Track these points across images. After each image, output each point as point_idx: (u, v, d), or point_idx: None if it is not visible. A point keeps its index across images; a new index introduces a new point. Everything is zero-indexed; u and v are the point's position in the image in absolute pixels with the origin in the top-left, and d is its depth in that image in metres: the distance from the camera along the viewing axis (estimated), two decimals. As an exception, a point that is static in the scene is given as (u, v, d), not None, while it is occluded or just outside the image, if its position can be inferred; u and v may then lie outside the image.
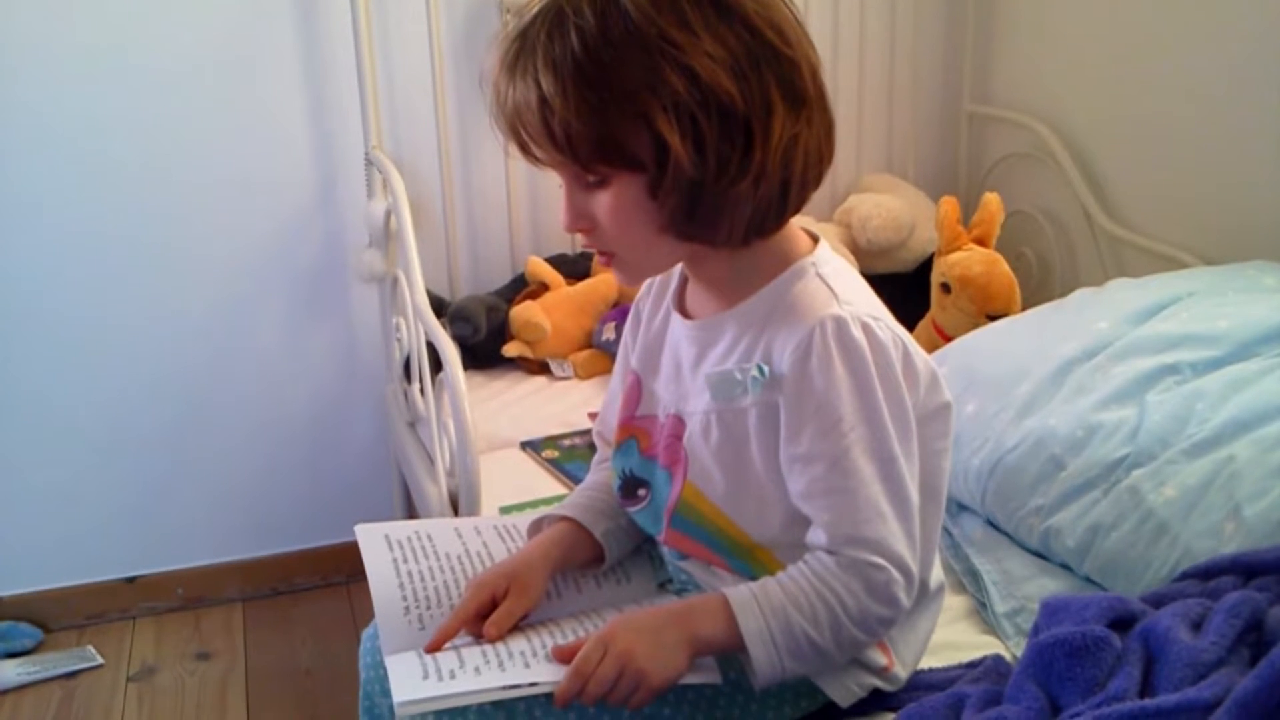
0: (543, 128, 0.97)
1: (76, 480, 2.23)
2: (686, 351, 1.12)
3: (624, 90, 0.94)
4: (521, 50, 0.98)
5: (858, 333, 1.00)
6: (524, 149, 1.02)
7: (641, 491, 1.16)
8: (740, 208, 0.99)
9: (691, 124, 0.95)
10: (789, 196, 1.01)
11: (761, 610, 0.99)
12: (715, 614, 1.00)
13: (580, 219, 1.03)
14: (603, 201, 1.01)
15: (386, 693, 1.10)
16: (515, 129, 1.01)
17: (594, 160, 0.98)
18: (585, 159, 0.98)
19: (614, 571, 1.22)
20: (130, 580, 2.31)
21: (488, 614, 1.09)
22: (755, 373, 1.03)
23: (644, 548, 1.24)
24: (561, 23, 0.96)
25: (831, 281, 1.04)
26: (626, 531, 1.21)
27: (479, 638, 1.08)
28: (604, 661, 0.98)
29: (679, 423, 1.12)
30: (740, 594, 1.01)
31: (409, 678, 1.01)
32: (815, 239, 1.10)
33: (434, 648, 1.07)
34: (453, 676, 1.01)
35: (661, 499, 1.14)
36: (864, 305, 1.03)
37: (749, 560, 1.09)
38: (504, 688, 0.99)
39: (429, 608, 1.13)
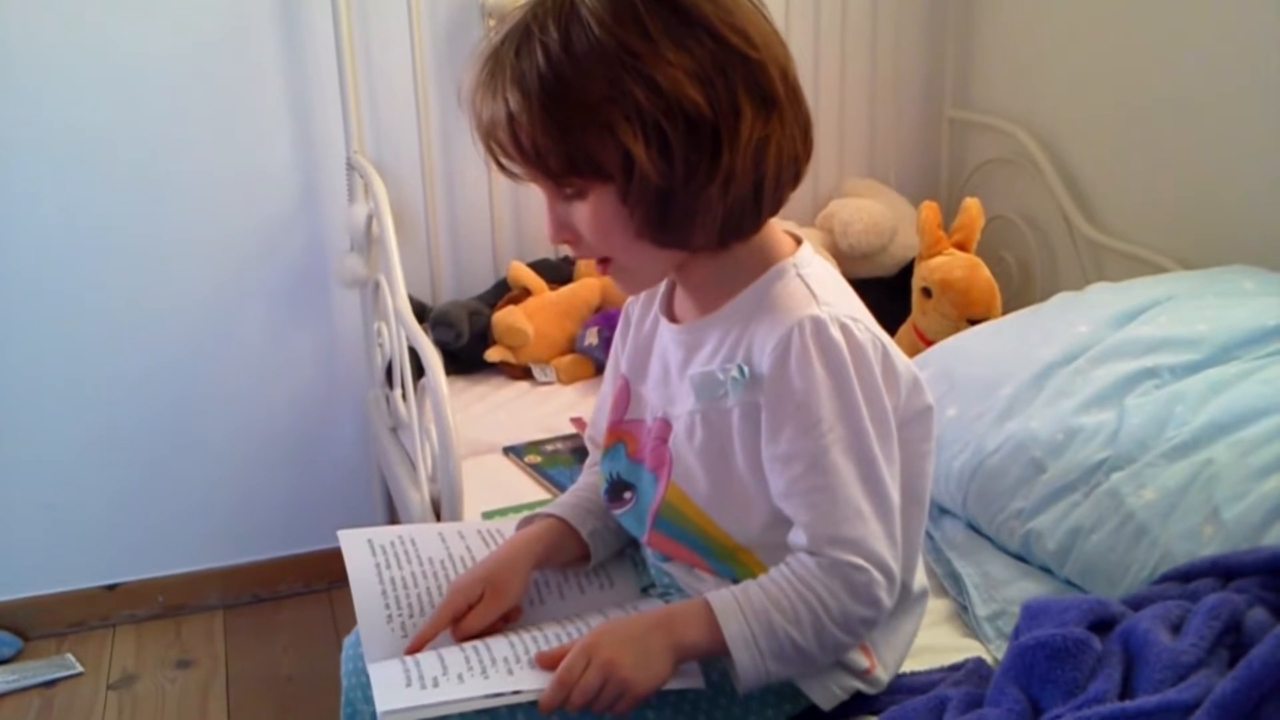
0: (513, 144, 0.99)
1: (56, 488, 2.21)
2: (674, 355, 1.12)
3: (587, 104, 0.95)
4: (494, 69, 0.99)
5: (836, 333, 1.00)
6: (500, 165, 1.04)
7: (627, 494, 1.17)
8: (711, 211, 0.99)
9: (657, 132, 0.95)
10: (762, 197, 1.01)
11: (744, 613, 1.00)
12: (698, 619, 1.01)
13: (563, 230, 1.04)
14: (581, 212, 1.02)
15: (369, 700, 1.10)
16: (489, 145, 1.02)
17: (565, 173, 0.99)
18: (556, 172, 0.99)
19: (597, 576, 1.22)
20: (110, 588, 2.30)
21: (463, 619, 1.09)
22: (735, 373, 1.04)
23: (628, 552, 1.25)
24: (528, 40, 0.97)
25: (811, 282, 1.05)
26: (614, 532, 1.21)
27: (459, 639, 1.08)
28: (588, 671, 0.98)
29: (665, 426, 1.12)
30: (722, 597, 1.01)
31: (392, 686, 1.01)
32: (798, 241, 1.10)
33: (412, 651, 1.07)
34: (436, 685, 1.00)
35: (646, 501, 1.14)
36: (843, 306, 1.04)
37: (731, 562, 1.09)
38: (488, 696, 0.99)
39: (412, 615, 1.13)
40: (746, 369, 1.03)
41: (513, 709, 1.03)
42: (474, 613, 1.10)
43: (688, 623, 1.01)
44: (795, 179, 1.04)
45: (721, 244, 1.03)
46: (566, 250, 1.10)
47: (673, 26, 0.96)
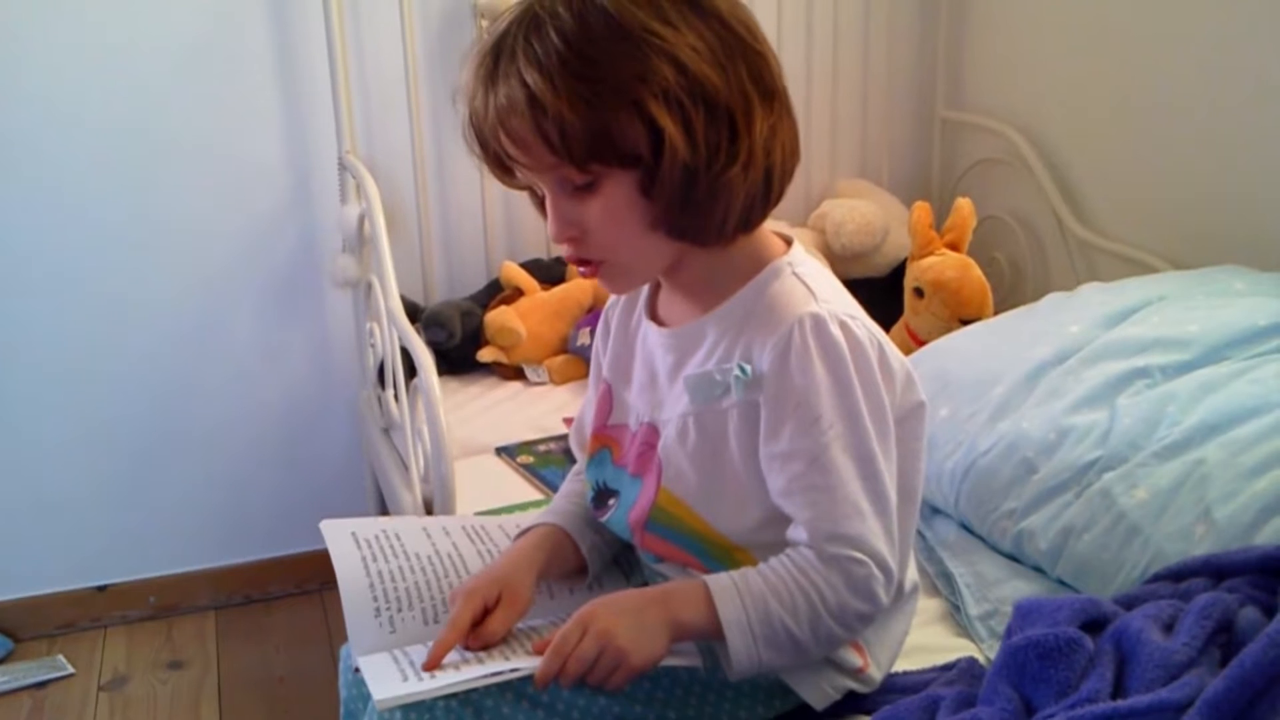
0: (533, 129, 0.96)
1: (46, 488, 2.21)
2: (663, 360, 1.12)
3: (615, 81, 0.94)
4: (499, 58, 0.97)
5: (836, 330, 1.00)
6: (504, 163, 1.02)
7: (611, 501, 1.16)
8: (734, 196, 0.99)
9: (681, 112, 0.95)
10: (771, 188, 1.02)
11: (741, 599, 1.00)
12: (695, 599, 1.00)
13: (569, 226, 1.02)
14: (593, 206, 1.00)
15: (369, 711, 1.09)
16: (497, 139, 0.99)
17: (587, 158, 0.97)
18: (579, 157, 0.97)
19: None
20: (101, 589, 2.29)
21: (481, 622, 1.07)
22: (737, 372, 1.03)
23: (617, 555, 1.24)
24: (538, 26, 0.96)
25: (808, 280, 1.05)
26: (609, 545, 1.21)
27: (468, 647, 1.05)
28: (584, 640, 0.97)
29: (653, 431, 1.12)
30: (720, 581, 1.01)
31: (387, 679, 1.00)
32: (789, 241, 1.10)
33: (432, 665, 1.02)
34: (432, 676, 1.00)
35: (627, 505, 1.13)
36: (841, 304, 1.04)
37: (727, 561, 1.09)
38: (483, 676, 0.98)
39: (400, 610, 1.12)
40: (749, 368, 1.03)
41: (497, 699, 1.02)
42: (494, 618, 1.06)
43: (685, 601, 1.01)
44: (791, 176, 1.05)
45: (730, 237, 1.03)
46: (565, 253, 1.07)
47: (685, 12, 0.97)
